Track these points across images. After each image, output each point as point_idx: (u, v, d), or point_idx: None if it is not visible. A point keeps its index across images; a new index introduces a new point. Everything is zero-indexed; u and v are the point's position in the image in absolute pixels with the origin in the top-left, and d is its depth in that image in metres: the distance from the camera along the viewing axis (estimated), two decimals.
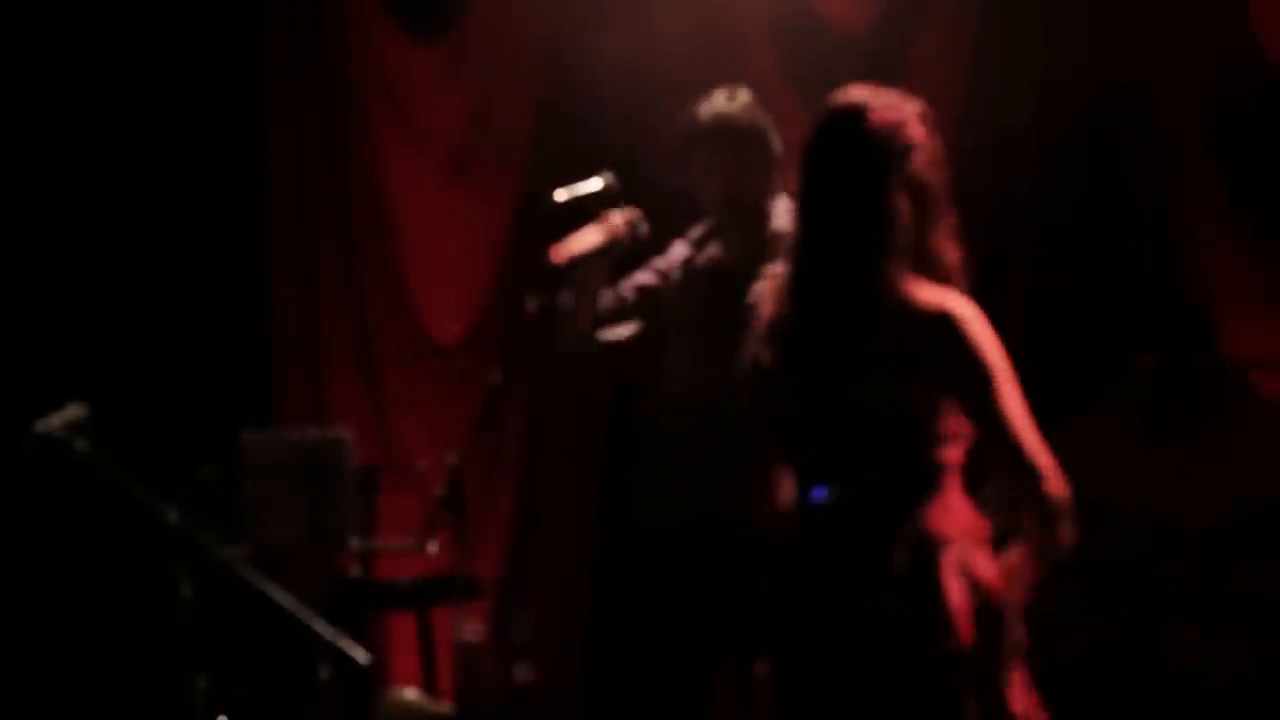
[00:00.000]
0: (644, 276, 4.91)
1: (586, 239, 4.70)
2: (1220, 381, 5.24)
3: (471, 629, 5.93)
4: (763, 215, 4.78)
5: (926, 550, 3.35)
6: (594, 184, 4.77)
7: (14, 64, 6.52)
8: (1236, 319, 5.84)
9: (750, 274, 3.77)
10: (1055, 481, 3.30)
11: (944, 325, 3.35)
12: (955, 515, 3.39)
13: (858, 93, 3.44)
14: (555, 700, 6.29)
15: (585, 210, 4.72)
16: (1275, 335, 5.85)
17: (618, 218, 4.73)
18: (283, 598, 4.59)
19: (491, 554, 6.48)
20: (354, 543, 5.89)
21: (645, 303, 4.87)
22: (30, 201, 6.50)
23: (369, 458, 6.28)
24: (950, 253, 3.44)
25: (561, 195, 4.67)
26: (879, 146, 3.37)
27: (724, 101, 4.80)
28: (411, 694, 5.97)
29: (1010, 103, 6.18)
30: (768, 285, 3.51)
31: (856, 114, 3.40)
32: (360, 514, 5.99)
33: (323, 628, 4.58)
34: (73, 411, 4.57)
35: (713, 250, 4.84)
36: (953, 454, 3.40)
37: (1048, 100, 6.12)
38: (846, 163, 3.39)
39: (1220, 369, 5.31)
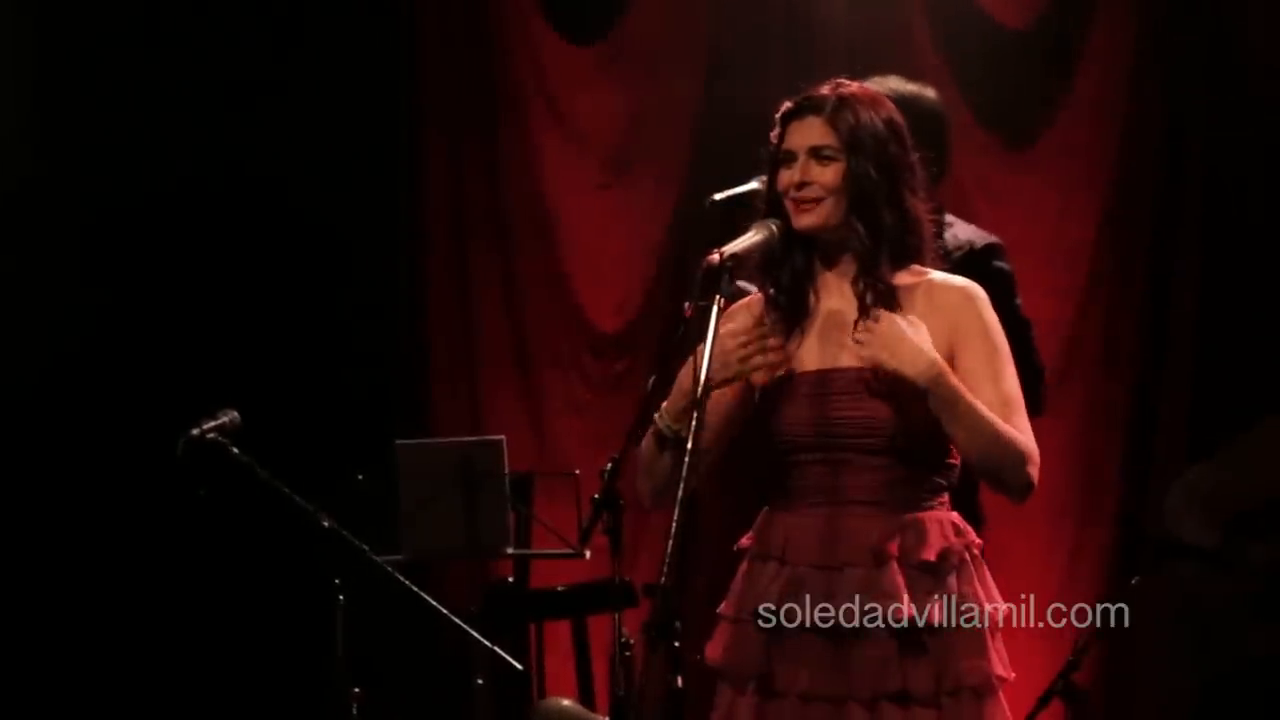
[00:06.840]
0: None
1: (745, 241, 4.61)
2: None
3: (628, 637, 5.88)
4: None
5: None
6: (753, 185, 4.68)
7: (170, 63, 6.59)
8: None
9: None
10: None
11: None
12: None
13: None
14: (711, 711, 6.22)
15: (743, 212, 4.64)
16: None
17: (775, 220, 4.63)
18: (438, 605, 4.57)
19: (649, 561, 6.43)
20: (509, 549, 5.87)
21: None
22: (186, 211, 6.56)
23: (525, 463, 6.25)
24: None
25: (719, 197, 4.59)
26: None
27: None
28: (567, 702, 5.95)
29: (1180, 96, 6.10)
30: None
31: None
32: (516, 520, 5.97)
33: (478, 635, 4.57)
34: (227, 417, 4.59)
35: None
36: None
37: (1219, 90, 6.03)
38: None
39: None
